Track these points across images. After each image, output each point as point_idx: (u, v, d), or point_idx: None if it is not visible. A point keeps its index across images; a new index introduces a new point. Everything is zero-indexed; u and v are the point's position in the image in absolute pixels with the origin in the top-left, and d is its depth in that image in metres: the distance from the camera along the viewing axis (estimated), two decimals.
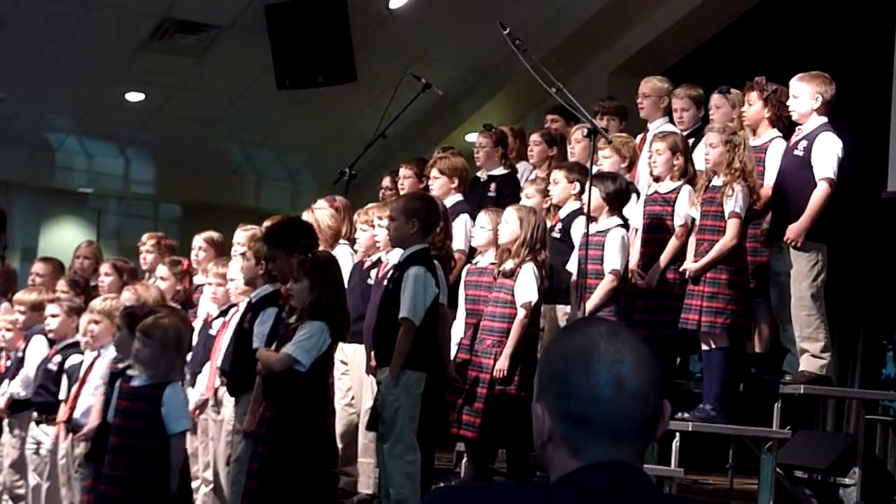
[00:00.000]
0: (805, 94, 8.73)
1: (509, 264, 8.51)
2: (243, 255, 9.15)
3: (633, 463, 2.61)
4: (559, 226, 9.05)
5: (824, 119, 8.69)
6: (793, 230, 8.47)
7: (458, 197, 9.93)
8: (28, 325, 10.45)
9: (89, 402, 9.24)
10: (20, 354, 10.32)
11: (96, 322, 9.46)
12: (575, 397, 2.58)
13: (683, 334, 8.51)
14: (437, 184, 9.99)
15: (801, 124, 8.75)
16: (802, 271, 8.57)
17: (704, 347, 8.49)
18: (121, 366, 8.30)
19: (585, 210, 8.56)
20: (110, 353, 9.31)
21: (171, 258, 10.72)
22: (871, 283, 13.29)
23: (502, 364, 8.35)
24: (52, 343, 10.19)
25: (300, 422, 7.68)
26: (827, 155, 8.54)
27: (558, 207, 9.19)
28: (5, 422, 10.21)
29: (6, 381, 10.31)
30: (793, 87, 8.81)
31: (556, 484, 2.59)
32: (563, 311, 8.88)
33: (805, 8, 13.59)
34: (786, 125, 8.92)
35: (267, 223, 9.85)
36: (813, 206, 8.47)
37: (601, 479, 2.55)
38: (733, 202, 8.34)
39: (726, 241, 8.34)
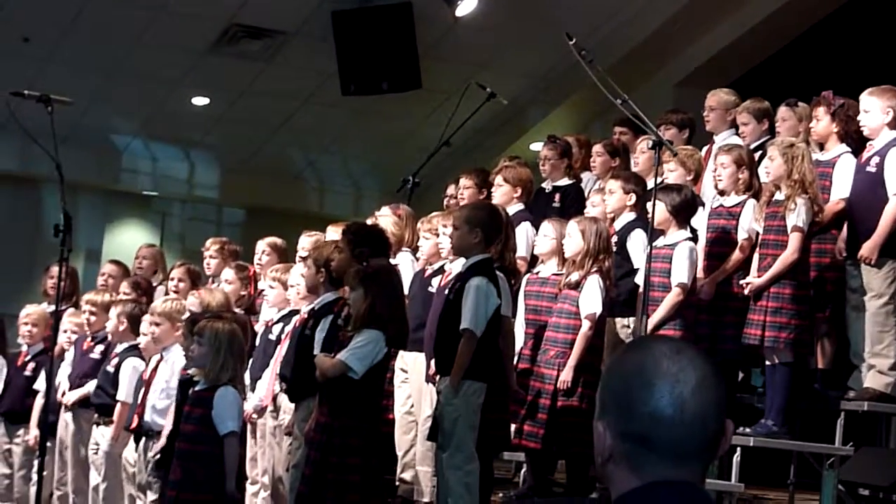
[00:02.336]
0: (876, 109, 8.67)
1: (574, 276, 8.50)
2: (304, 259, 9.17)
3: (694, 482, 2.60)
4: (615, 238, 9.02)
5: None
6: (867, 248, 8.43)
7: (520, 206, 9.93)
8: (98, 326, 10.51)
9: (158, 404, 9.30)
10: (92, 356, 10.37)
11: (157, 324, 9.52)
12: (637, 417, 2.57)
13: (746, 348, 8.47)
14: (500, 192, 10.00)
15: (872, 139, 8.70)
16: (876, 288, 8.52)
17: (768, 362, 8.45)
18: (189, 372, 8.37)
19: (650, 222, 8.53)
20: (172, 355, 9.37)
21: (238, 263, 10.77)
22: None
23: (566, 376, 8.33)
24: (108, 345, 10.27)
25: (352, 428, 7.71)
26: None
27: (613, 218, 9.17)
28: (69, 421, 10.26)
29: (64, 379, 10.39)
30: (863, 102, 8.75)
31: (616, 501, 2.58)
32: (621, 324, 8.85)
33: (875, 20, 13.52)
34: (855, 140, 8.86)
35: (335, 228, 9.91)
36: (885, 223, 8.41)
37: (662, 498, 2.54)
38: (795, 216, 8.29)
39: (788, 255, 8.30)
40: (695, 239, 8.72)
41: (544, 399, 8.41)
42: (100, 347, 10.41)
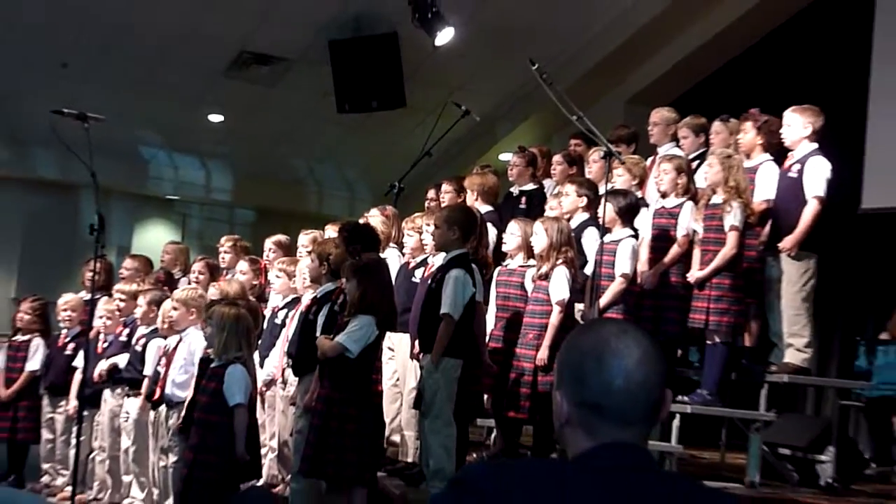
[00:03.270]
0: (797, 124, 8.75)
1: (544, 268, 8.52)
2: (309, 255, 9.20)
3: (639, 444, 2.63)
4: (572, 235, 9.07)
5: (815, 145, 8.70)
6: (788, 241, 8.54)
7: (488, 207, 9.97)
8: (127, 312, 10.54)
9: (177, 378, 9.32)
10: (122, 338, 10.38)
11: (175, 309, 9.54)
12: (589, 387, 2.60)
13: (686, 330, 8.52)
14: (473, 196, 10.07)
15: (792, 150, 8.77)
16: (794, 277, 8.61)
17: (708, 342, 8.50)
18: (208, 351, 8.42)
19: (601, 222, 8.57)
20: (189, 336, 9.39)
21: (251, 257, 10.81)
22: (848, 287, 13.28)
23: (542, 354, 8.33)
24: (134, 328, 10.30)
25: (349, 400, 7.71)
26: (817, 176, 8.58)
27: (569, 218, 9.21)
28: (105, 393, 10.28)
29: (102, 360, 10.39)
30: (786, 118, 8.83)
31: (572, 461, 2.61)
32: (577, 308, 8.88)
33: (794, 49, 13.58)
34: (776, 150, 8.91)
35: (332, 227, 9.94)
36: (805, 221, 8.52)
37: (611, 457, 2.56)
38: (732, 217, 8.36)
39: (727, 251, 8.37)
40: (637, 236, 8.77)
41: (527, 376, 8.40)
42: (127, 330, 10.43)
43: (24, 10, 14.01)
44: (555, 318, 8.39)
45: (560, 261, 8.46)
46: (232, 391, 7.93)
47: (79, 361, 10.68)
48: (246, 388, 8.09)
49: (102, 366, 10.23)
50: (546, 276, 8.48)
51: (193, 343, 9.36)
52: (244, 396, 8.04)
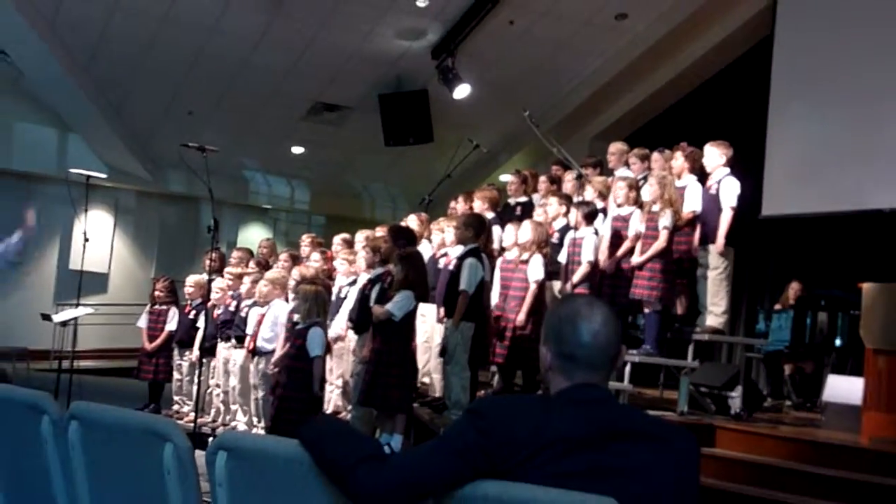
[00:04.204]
0: (714, 154, 8.76)
1: (525, 256, 8.54)
2: (364, 248, 9.21)
3: (602, 384, 2.64)
4: (556, 235, 9.06)
5: (727, 169, 8.71)
6: (718, 243, 8.62)
7: (491, 214, 9.97)
8: (234, 288, 10.57)
9: (265, 335, 9.36)
10: (230, 308, 10.41)
11: (266, 286, 9.61)
12: (566, 343, 2.61)
13: (633, 301, 8.52)
14: (478, 206, 10.07)
15: (711, 173, 8.76)
16: (717, 263, 8.62)
17: (646, 310, 8.50)
18: (295, 317, 8.45)
19: (572, 224, 8.57)
20: (275, 305, 9.44)
21: (321, 249, 10.82)
22: (752, 271, 13.27)
23: (521, 317, 8.38)
24: (240, 300, 10.33)
25: (393, 351, 7.76)
26: (730, 192, 8.60)
27: (552, 221, 9.22)
28: (219, 345, 10.31)
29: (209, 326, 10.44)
30: (706, 149, 8.84)
31: (554, 396, 2.62)
32: (556, 285, 8.88)
33: (713, 97, 13.57)
34: (698, 172, 8.90)
35: (381, 228, 9.96)
36: (724, 225, 8.56)
37: (582, 393, 2.57)
38: (664, 221, 8.37)
39: (659, 245, 8.38)
40: (598, 234, 8.76)
41: (508, 333, 8.45)
42: (234, 302, 10.46)
43: (163, 72, 14.06)
44: (531, 291, 8.43)
45: (538, 251, 8.49)
46: (313, 346, 7.98)
47: (200, 323, 10.77)
48: (323, 345, 8.13)
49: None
50: (526, 262, 8.51)
51: (277, 310, 9.42)
52: (322, 350, 8.08)
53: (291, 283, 9.58)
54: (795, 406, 10.26)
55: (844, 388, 8.37)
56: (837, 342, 9.99)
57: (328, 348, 8.75)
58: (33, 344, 13.86)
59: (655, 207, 8.49)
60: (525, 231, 8.63)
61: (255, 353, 9.52)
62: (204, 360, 10.16)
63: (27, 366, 13.67)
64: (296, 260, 10.79)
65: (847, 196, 10.19)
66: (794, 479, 6.69)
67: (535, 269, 8.46)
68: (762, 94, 11.25)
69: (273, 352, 9.22)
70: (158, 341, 11.03)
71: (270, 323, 9.45)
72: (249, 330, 9.79)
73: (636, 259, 8.50)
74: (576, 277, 8.49)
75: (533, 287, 8.43)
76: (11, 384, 4.09)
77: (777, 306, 11.33)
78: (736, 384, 8.18)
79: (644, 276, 8.40)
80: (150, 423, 3.00)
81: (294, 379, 8.04)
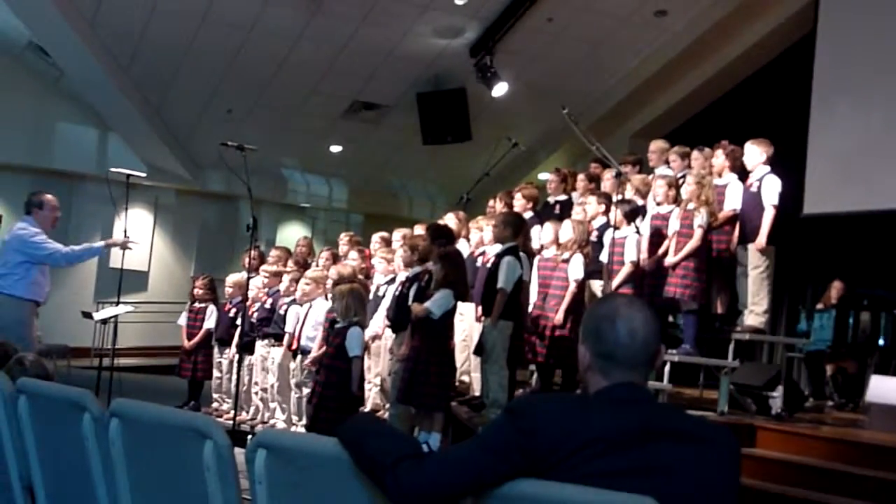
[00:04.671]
0: (755, 152, 8.67)
1: (565, 255, 8.52)
2: (402, 246, 9.22)
3: (640, 383, 2.63)
4: (595, 233, 9.03)
5: (768, 167, 8.62)
6: (760, 242, 8.49)
7: (530, 213, 9.95)
8: (270, 286, 10.61)
9: (309, 334, 9.39)
10: (266, 306, 10.46)
11: (308, 284, 9.62)
12: (605, 342, 2.60)
13: (671, 300, 8.48)
14: (519, 204, 10.03)
15: (752, 171, 8.70)
16: (758, 262, 8.54)
17: (684, 309, 8.47)
18: (332, 316, 8.48)
19: (612, 223, 8.55)
20: (317, 304, 9.46)
21: (359, 248, 10.83)
22: (794, 270, 13.16)
23: (560, 316, 8.37)
24: (276, 298, 10.37)
25: (432, 349, 7.78)
26: (771, 190, 8.50)
27: (591, 219, 9.18)
28: (257, 343, 10.36)
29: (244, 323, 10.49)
30: (747, 148, 8.76)
31: (593, 396, 2.61)
32: (597, 284, 8.85)
33: (755, 94, 13.49)
34: (739, 171, 8.84)
35: (419, 227, 9.97)
36: (766, 224, 8.46)
37: (621, 392, 2.56)
38: (699, 220, 8.33)
39: (693, 243, 8.33)
40: (639, 233, 8.73)
41: (548, 332, 8.44)
42: (270, 300, 10.50)
43: (202, 71, 14.16)
44: (571, 290, 8.41)
45: (578, 250, 8.47)
46: (352, 346, 7.98)
47: (239, 322, 10.83)
48: (361, 345, 8.14)
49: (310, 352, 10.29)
50: (567, 261, 8.49)
51: (319, 309, 9.44)
52: (360, 350, 8.10)
53: (329, 282, 9.61)
54: (837, 406, 10.19)
55: (888, 389, 8.30)
56: (880, 342, 9.92)
57: (366, 347, 8.78)
58: (74, 342, 14.03)
59: (691, 206, 8.45)
60: (566, 230, 8.61)
61: (299, 352, 9.56)
62: (242, 358, 10.23)
63: (68, 363, 13.83)
64: (336, 259, 10.83)
65: (891, 194, 10.09)
66: (836, 480, 6.63)
67: (576, 269, 8.45)
68: (804, 91, 11.16)
69: None
70: (196, 339, 11.10)
71: (314, 322, 9.48)
72: (288, 328, 9.84)
73: (671, 258, 8.46)
74: (618, 278, 8.45)
75: (573, 286, 8.42)
76: (53, 382, 4.13)
77: (819, 306, 11.26)
78: (777, 384, 8.13)
79: (678, 275, 8.36)
80: (191, 420, 3.02)
81: (332, 378, 8.06)
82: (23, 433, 3.85)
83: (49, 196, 8.69)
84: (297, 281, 10.04)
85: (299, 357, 9.58)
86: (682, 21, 13.17)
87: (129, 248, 9.18)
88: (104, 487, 3.43)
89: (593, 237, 8.97)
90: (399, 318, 8.50)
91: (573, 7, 12.82)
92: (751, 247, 8.63)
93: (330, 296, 9.06)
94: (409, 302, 8.18)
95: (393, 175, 18.41)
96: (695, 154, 9.42)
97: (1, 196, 16.84)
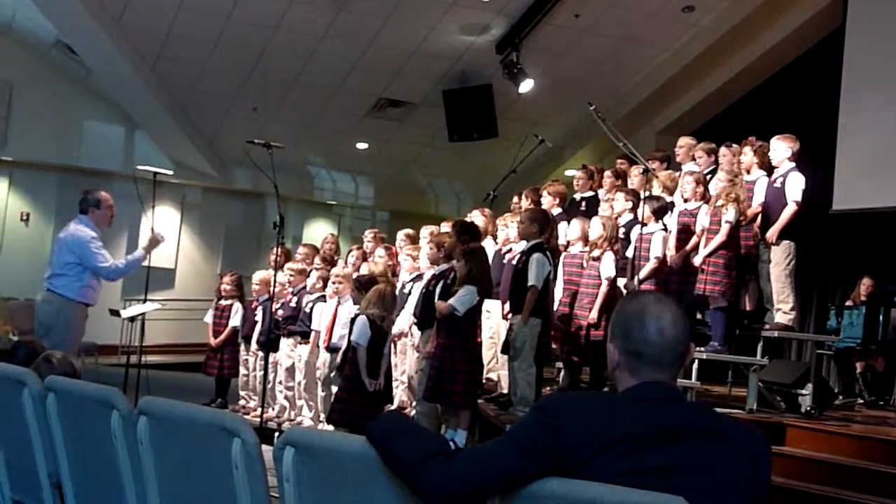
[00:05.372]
0: (781, 148, 8.60)
1: (596, 253, 8.52)
2: (429, 243, 9.23)
3: (669, 382, 2.61)
4: (622, 230, 9.01)
5: (793, 164, 8.56)
6: (770, 233, 8.42)
7: (559, 209, 9.93)
8: (295, 284, 10.63)
9: (339, 332, 9.40)
10: (291, 304, 10.48)
11: (340, 283, 9.62)
12: (633, 340, 2.59)
13: (700, 297, 8.44)
14: (547, 201, 10.02)
15: (777, 167, 8.65)
16: (779, 258, 8.48)
17: (712, 306, 8.43)
18: (356, 311, 8.49)
19: (639, 219, 8.52)
20: (347, 302, 9.47)
21: (385, 245, 10.84)
22: (823, 267, 13.09)
23: (593, 314, 8.37)
24: (301, 295, 10.39)
25: (458, 347, 7.79)
26: (796, 186, 8.44)
27: (618, 216, 9.16)
28: (282, 341, 10.39)
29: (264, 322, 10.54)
30: (773, 144, 8.69)
31: (621, 394, 2.60)
32: (622, 282, 8.83)
33: (782, 90, 13.41)
34: (768, 168, 8.79)
35: (445, 223, 9.98)
36: (783, 218, 8.39)
37: (649, 391, 2.55)
38: (727, 216, 8.29)
39: (719, 239, 8.27)
40: (667, 229, 8.70)
41: (582, 331, 8.44)
42: (296, 298, 10.52)
43: (228, 70, 14.21)
44: (603, 289, 8.40)
45: (609, 248, 8.46)
46: (356, 334, 8.08)
47: (259, 317, 10.86)
48: (364, 334, 8.11)
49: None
50: (598, 258, 8.48)
51: (349, 306, 9.46)
52: (362, 339, 8.09)
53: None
54: (867, 404, 10.12)
55: None
56: None
57: (393, 344, 8.79)
58: (102, 339, 14.07)
59: (719, 202, 8.42)
60: (595, 227, 8.61)
61: (329, 350, 9.57)
62: (268, 355, 10.25)
63: (96, 361, 13.91)
64: (366, 257, 10.84)
65: None
66: (865, 478, 6.58)
67: (607, 266, 8.45)
68: (833, 86, 11.09)
69: None
70: (222, 337, 11.14)
71: (345, 319, 9.49)
72: (315, 325, 9.86)
73: (699, 255, 8.43)
74: (643, 273, 8.43)
75: (605, 285, 8.41)
76: (81, 379, 4.15)
77: (848, 302, 11.17)
78: (806, 382, 8.08)
79: (707, 272, 8.33)
80: (218, 418, 3.03)
81: (349, 370, 8.19)
82: (51, 431, 3.88)
83: (105, 194, 8.70)
84: (323, 279, 10.05)
85: (328, 355, 9.58)
86: (710, 16, 13.10)
87: (163, 240, 9.17)
88: (132, 485, 3.45)
89: (620, 234, 8.95)
90: (425, 315, 8.51)
91: (600, 3, 12.77)
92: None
93: (354, 294, 9.09)
94: (436, 299, 8.19)
95: (419, 172, 18.41)
96: (723, 150, 9.38)
97: (29, 194, 16.97)
